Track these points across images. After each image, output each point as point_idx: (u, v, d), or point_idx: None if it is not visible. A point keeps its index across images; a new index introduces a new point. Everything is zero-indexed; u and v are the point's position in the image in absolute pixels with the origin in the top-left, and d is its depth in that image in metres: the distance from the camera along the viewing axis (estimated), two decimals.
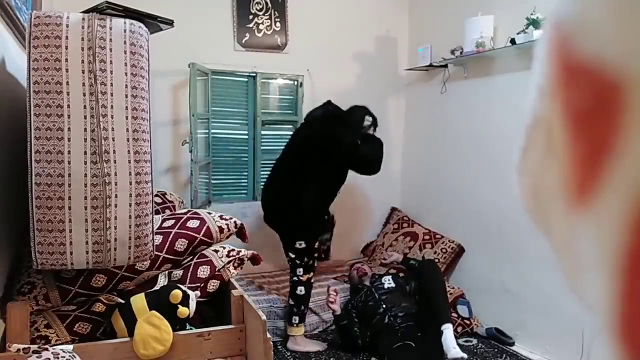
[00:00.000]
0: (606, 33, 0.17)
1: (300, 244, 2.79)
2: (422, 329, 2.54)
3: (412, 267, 2.99)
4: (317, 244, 2.86)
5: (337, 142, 2.76)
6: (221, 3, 3.39)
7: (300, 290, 2.80)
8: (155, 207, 2.00)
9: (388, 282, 2.88)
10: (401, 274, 3.17)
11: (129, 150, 1.50)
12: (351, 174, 2.99)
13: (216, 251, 2.00)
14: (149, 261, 1.73)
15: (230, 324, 1.79)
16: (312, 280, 2.86)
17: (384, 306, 2.70)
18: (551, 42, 0.20)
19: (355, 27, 3.79)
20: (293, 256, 2.82)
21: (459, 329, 2.95)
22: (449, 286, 3.21)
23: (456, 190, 3.43)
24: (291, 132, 3.72)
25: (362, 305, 2.79)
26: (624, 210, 0.16)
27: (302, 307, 2.81)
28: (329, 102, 2.98)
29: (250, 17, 3.46)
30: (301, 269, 2.81)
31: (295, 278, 2.82)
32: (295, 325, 2.79)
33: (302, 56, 3.61)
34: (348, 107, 2.99)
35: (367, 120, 2.96)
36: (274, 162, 3.01)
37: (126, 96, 1.49)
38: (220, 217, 2.10)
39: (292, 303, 2.82)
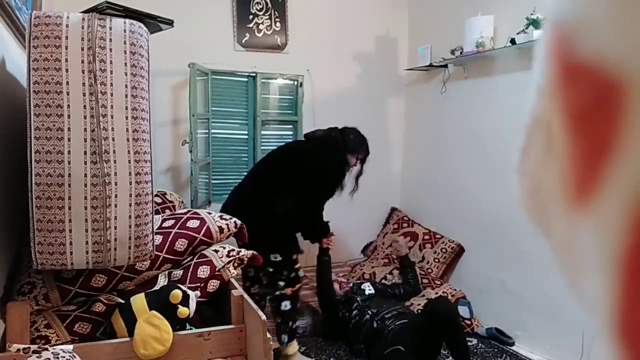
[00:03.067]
0: (606, 32, 0.17)
1: (275, 257, 2.50)
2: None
3: (405, 267, 3.09)
4: (295, 256, 2.57)
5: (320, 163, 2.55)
6: (221, 3, 3.39)
7: (285, 305, 2.52)
8: (155, 207, 2.00)
9: (368, 288, 2.87)
10: (380, 281, 3.19)
11: (129, 150, 1.50)
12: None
13: (216, 251, 2.00)
14: (149, 261, 1.73)
15: (230, 324, 1.79)
16: (300, 291, 2.64)
17: (370, 312, 2.65)
18: (551, 42, 0.20)
19: (355, 27, 3.79)
20: (271, 270, 2.53)
21: None
22: (450, 287, 3.21)
23: (456, 190, 3.43)
24: (291, 132, 3.74)
25: (351, 317, 2.72)
26: (624, 211, 0.16)
27: (290, 323, 2.55)
28: (334, 128, 2.73)
29: (250, 17, 3.46)
30: (282, 282, 2.52)
31: (277, 292, 2.53)
32: (285, 344, 2.53)
33: (302, 56, 3.61)
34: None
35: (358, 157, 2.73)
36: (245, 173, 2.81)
37: (126, 96, 1.49)
38: (220, 217, 2.10)
39: (279, 320, 2.54)
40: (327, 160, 2.57)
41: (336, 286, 2.97)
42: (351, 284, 3.00)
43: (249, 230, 2.43)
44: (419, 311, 2.89)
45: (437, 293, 3.10)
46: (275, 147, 2.85)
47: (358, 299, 2.77)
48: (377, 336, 2.50)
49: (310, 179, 2.53)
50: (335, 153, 2.60)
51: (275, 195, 2.48)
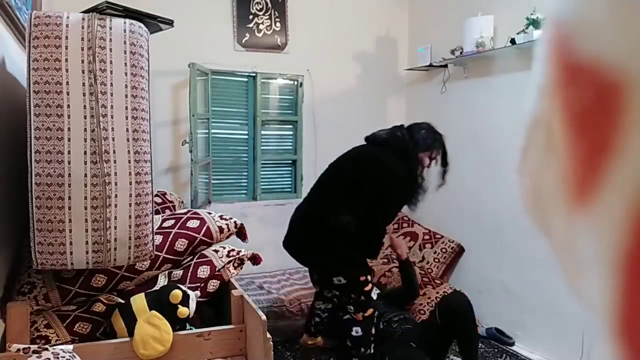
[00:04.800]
0: (606, 33, 0.17)
1: (339, 280, 2.19)
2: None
3: (407, 273, 2.72)
4: (365, 277, 2.23)
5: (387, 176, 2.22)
6: (221, 3, 3.39)
7: (357, 331, 2.21)
8: (155, 207, 2.00)
9: (375, 291, 2.84)
10: (379, 279, 3.16)
11: (129, 150, 1.50)
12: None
13: (216, 251, 2.00)
14: (149, 261, 1.73)
15: (230, 324, 1.79)
16: (375, 315, 2.32)
17: (376, 313, 2.56)
18: (551, 42, 0.20)
19: (355, 27, 3.79)
20: (337, 293, 2.28)
21: None
22: (450, 287, 3.21)
23: (456, 190, 3.43)
24: (291, 132, 3.74)
25: None
26: (624, 210, 0.16)
27: (363, 350, 2.22)
28: (400, 126, 2.39)
29: (250, 17, 3.46)
30: (351, 307, 2.22)
31: (347, 317, 2.25)
32: None
33: (302, 56, 3.61)
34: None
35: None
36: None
37: (126, 96, 1.49)
38: (220, 217, 2.10)
39: (349, 344, 2.24)
40: (392, 168, 2.21)
41: None
42: None
43: (309, 248, 2.24)
44: (428, 316, 2.86)
45: (437, 292, 3.09)
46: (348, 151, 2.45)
47: None
48: (383, 337, 2.47)
49: (373, 191, 2.19)
50: (402, 158, 2.24)
51: (337, 210, 2.18)
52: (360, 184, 2.20)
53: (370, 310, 2.25)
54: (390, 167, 2.21)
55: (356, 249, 2.22)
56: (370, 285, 2.26)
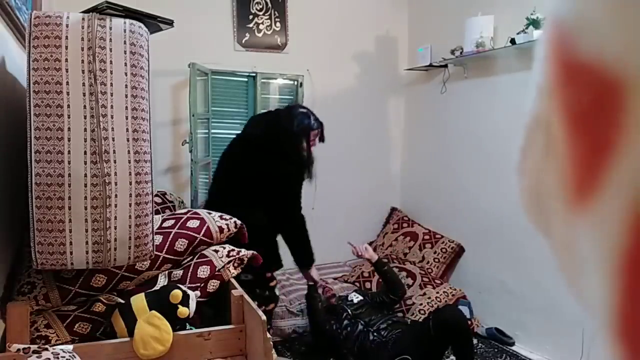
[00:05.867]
0: (606, 32, 0.17)
1: (246, 276, 2.26)
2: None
3: (384, 273, 2.73)
4: (270, 274, 2.36)
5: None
6: (221, 3, 3.40)
7: None
8: (155, 207, 2.00)
9: (355, 297, 2.77)
10: (363, 289, 3.13)
11: (129, 150, 1.50)
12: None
13: (216, 251, 2.00)
14: (149, 261, 1.73)
15: (230, 324, 1.79)
16: (275, 309, 2.41)
17: (363, 322, 2.54)
18: (551, 42, 0.20)
19: (355, 27, 3.80)
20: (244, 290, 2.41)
21: None
22: (450, 287, 3.22)
23: (456, 190, 3.43)
24: None
25: (341, 328, 2.61)
26: (623, 211, 0.16)
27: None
28: (276, 120, 2.47)
29: (250, 17, 3.46)
30: (255, 302, 2.33)
31: None
32: None
33: (302, 56, 3.61)
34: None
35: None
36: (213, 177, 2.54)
37: (126, 96, 1.49)
38: (220, 217, 2.10)
39: None
40: (279, 172, 2.32)
41: (320, 291, 2.80)
42: (336, 295, 2.90)
43: None
44: (421, 319, 2.84)
45: (437, 292, 3.10)
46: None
47: (348, 309, 2.67)
48: (376, 348, 2.42)
49: (273, 197, 2.32)
50: (286, 156, 2.35)
51: (252, 211, 2.29)
52: (260, 191, 2.33)
53: (272, 305, 2.37)
54: (278, 170, 2.32)
55: (261, 245, 2.26)
56: (275, 281, 2.40)
